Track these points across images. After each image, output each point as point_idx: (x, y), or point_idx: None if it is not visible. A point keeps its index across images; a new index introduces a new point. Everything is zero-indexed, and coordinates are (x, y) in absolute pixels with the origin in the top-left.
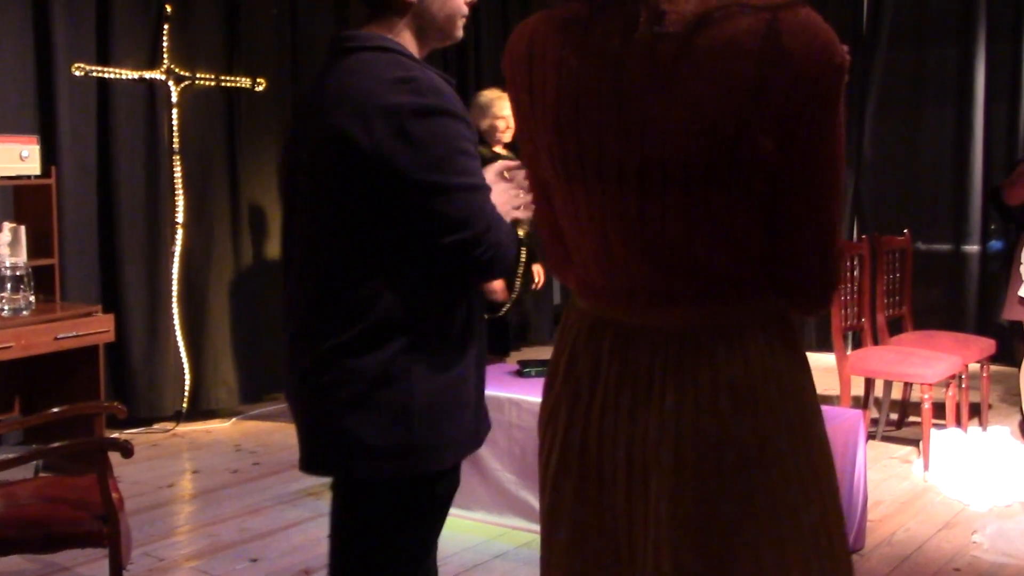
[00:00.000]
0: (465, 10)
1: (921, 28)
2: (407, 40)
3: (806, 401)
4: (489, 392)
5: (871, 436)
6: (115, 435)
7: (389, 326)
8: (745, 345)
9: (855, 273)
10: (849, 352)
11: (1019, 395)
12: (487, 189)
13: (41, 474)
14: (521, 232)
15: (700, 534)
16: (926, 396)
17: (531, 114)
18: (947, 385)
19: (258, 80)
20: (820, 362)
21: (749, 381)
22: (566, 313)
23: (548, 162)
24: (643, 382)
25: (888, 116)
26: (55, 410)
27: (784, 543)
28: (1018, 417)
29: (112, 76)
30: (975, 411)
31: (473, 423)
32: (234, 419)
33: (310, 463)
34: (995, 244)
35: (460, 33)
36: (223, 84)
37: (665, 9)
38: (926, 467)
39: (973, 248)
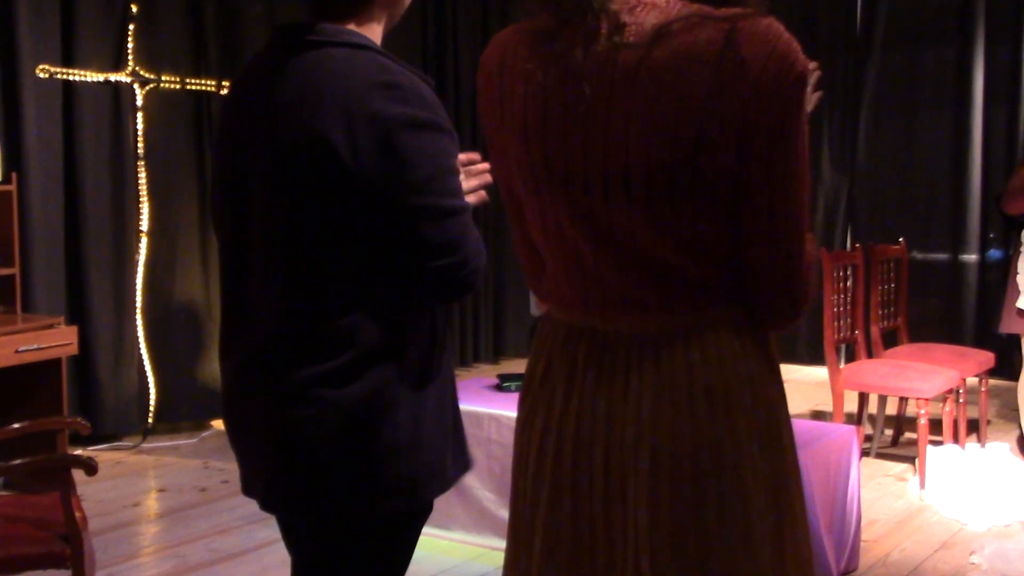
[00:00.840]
0: None
1: (917, 28)
2: (375, 33)
3: (777, 408)
4: (467, 407)
5: (865, 453)
6: (79, 452)
7: (371, 356)
8: (720, 350)
9: (848, 283)
10: (842, 366)
11: (1018, 410)
12: (469, 209)
13: (1, 492)
14: None
15: (677, 540)
16: (922, 411)
17: (501, 126)
18: (944, 400)
19: (224, 83)
20: (812, 376)
21: (725, 385)
22: (542, 323)
23: (518, 174)
24: (619, 388)
25: (883, 120)
26: (16, 426)
27: (757, 549)
28: (1017, 433)
29: (77, 78)
30: (973, 427)
31: (456, 452)
32: (202, 435)
33: (277, 501)
34: (994, 253)
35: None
36: (189, 87)
37: (626, 21)
38: (922, 485)
39: (971, 257)
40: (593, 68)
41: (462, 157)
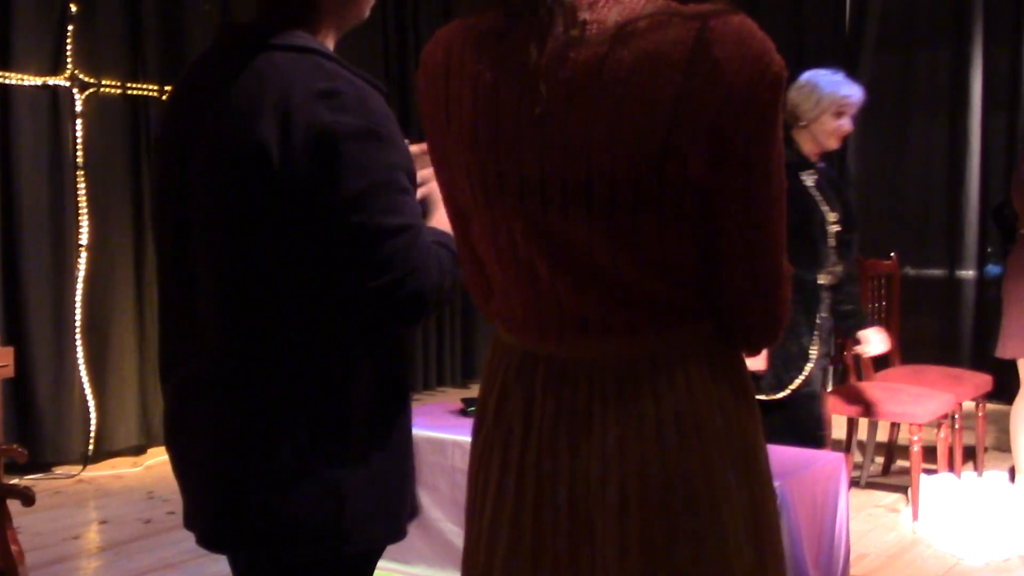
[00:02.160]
0: None
1: (911, 28)
2: (326, 36)
3: (751, 432)
4: (429, 433)
5: (854, 482)
6: (14, 481)
7: (321, 383)
8: (688, 373)
9: None
10: (830, 389)
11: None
12: (418, 227)
13: None
14: None
15: None
16: (915, 438)
17: (447, 132)
18: (939, 426)
19: (167, 88)
20: None
21: (695, 410)
22: (492, 349)
23: (466, 184)
24: (581, 418)
25: (874, 126)
26: None
27: None
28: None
29: (13, 82)
30: (970, 454)
31: (411, 494)
32: (147, 463)
33: (218, 539)
34: (993, 269)
35: (368, 12)
36: (130, 92)
37: (585, 18)
38: (915, 517)
39: (968, 273)
40: (549, 67)
41: (415, 149)
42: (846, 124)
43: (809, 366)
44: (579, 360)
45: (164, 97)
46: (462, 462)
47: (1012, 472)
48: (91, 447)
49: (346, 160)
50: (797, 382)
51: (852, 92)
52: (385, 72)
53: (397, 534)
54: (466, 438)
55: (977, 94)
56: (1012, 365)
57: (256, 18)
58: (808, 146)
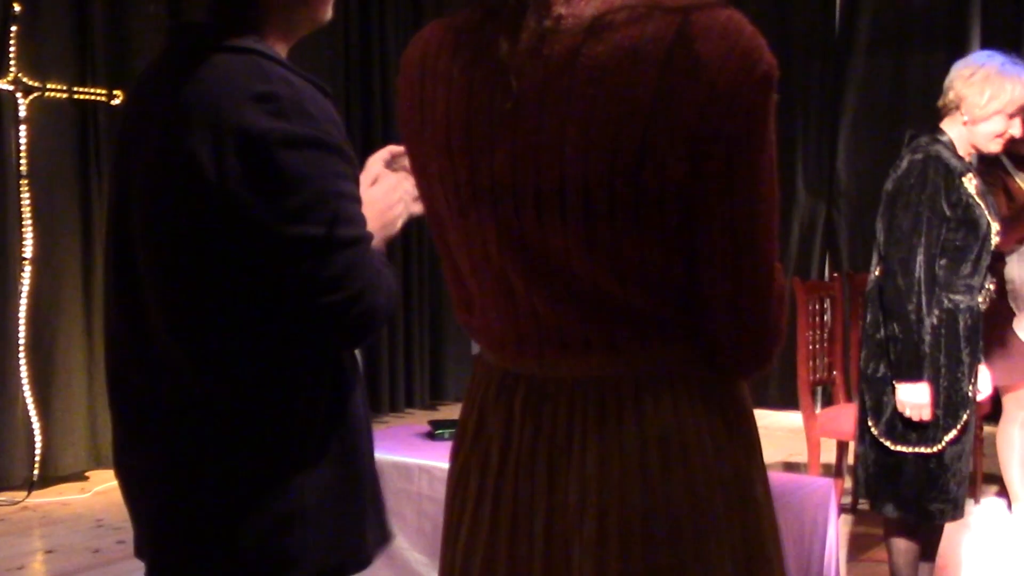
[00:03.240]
0: None
1: (904, 30)
2: (273, 35)
3: (744, 455)
4: (396, 458)
5: (844, 509)
6: None
7: (269, 406)
8: (675, 395)
9: (825, 318)
10: (818, 411)
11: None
12: (369, 240)
13: None
14: None
15: None
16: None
17: (421, 138)
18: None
19: (115, 92)
20: (784, 422)
21: (681, 434)
22: (475, 367)
23: (440, 191)
24: (561, 442)
25: (865, 133)
26: None
27: None
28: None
29: None
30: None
31: (375, 523)
32: (95, 488)
33: (166, 569)
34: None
35: (331, 13)
36: (76, 96)
37: (561, 12)
38: None
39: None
40: (521, 68)
41: (384, 153)
42: (1017, 128)
43: (967, 414)
44: (559, 380)
45: (113, 102)
46: (429, 488)
47: (998, 494)
48: (36, 472)
49: (286, 169)
50: (953, 433)
51: None
52: (346, 81)
53: (360, 562)
54: (433, 463)
55: None
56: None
57: (201, 19)
58: (961, 144)
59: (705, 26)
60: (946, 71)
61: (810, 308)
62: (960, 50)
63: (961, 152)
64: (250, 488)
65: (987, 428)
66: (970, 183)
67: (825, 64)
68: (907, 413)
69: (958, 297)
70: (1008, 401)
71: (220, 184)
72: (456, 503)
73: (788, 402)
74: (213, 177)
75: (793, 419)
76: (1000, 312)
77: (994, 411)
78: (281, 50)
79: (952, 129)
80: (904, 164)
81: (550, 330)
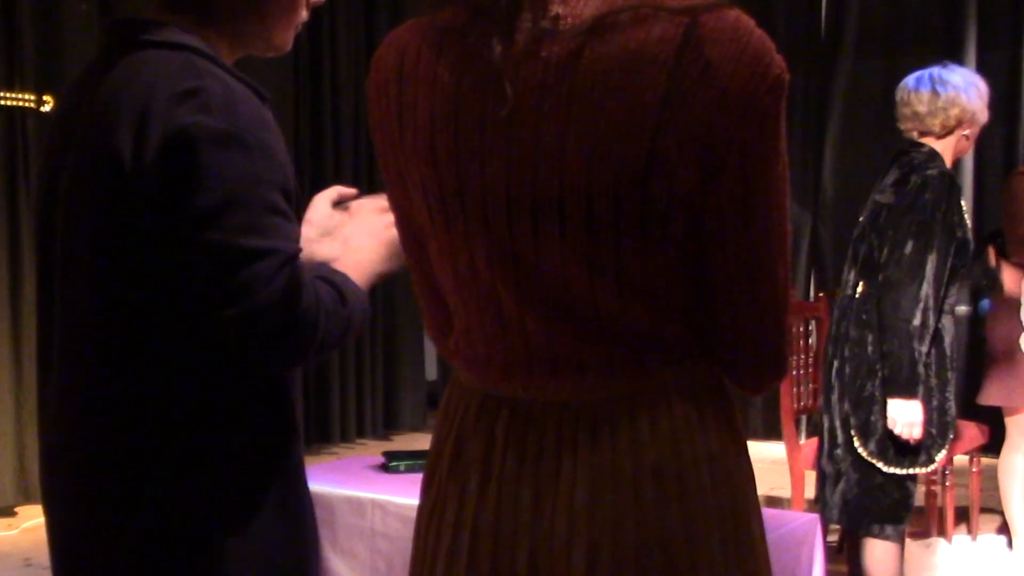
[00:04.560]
0: (304, 17)
1: (895, 31)
2: (216, 39)
3: (742, 490)
4: (346, 492)
5: (831, 547)
6: None
7: (194, 435)
8: (673, 421)
9: (810, 340)
10: (803, 441)
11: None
12: (287, 253)
13: None
14: None
15: None
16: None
17: (400, 144)
18: (927, 483)
19: (45, 97)
20: (766, 453)
21: (678, 464)
22: (448, 391)
23: (422, 202)
24: (548, 470)
25: (854, 142)
26: None
27: None
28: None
29: None
30: (963, 516)
31: (313, 567)
32: (23, 525)
33: None
34: (988, 304)
35: (290, 44)
36: (3, 103)
37: (558, 11)
38: None
39: (961, 309)
40: (518, 71)
41: (331, 192)
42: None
43: (954, 434)
44: (547, 403)
45: (43, 108)
46: (383, 524)
47: (1000, 530)
48: None
49: (202, 167)
50: (943, 453)
51: None
52: (295, 85)
53: None
54: (388, 497)
55: None
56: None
57: (139, 14)
58: (948, 159)
59: (714, 28)
60: None
61: (794, 331)
62: (956, 53)
63: (948, 165)
64: (165, 535)
65: (984, 460)
66: (962, 200)
67: (810, 67)
68: (897, 430)
69: (945, 317)
70: (1012, 425)
71: (135, 180)
72: (430, 536)
73: (771, 432)
74: (131, 175)
75: (776, 450)
76: (1006, 328)
77: (992, 441)
78: (225, 58)
79: (942, 143)
80: (916, 179)
81: (541, 351)
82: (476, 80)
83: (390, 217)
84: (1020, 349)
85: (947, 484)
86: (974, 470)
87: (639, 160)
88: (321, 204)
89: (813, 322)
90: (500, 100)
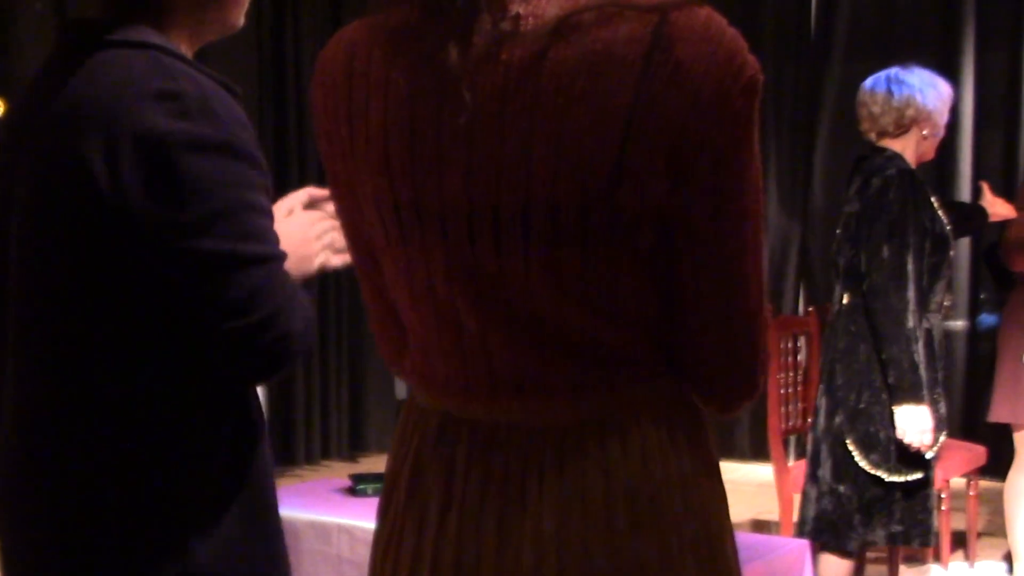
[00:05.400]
0: None
1: (887, 32)
2: (177, 34)
3: (717, 513)
4: (313, 516)
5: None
6: None
7: (156, 453)
8: (645, 441)
9: (799, 357)
10: (792, 463)
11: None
12: (281, 258)
13: None
14: None
15: None
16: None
17: (351, 152)
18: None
19: None
20: (754, 476)
21: (651, 488)
22: (405, 412)
23: (375, 215)
24: (514, 497)
25: (844, 149)
26: None
27: None
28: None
29: None
30: (960, 541)
31: None
32: None
33: None
34: (987, 319)
35: (243, 20)
36: None
37: (518, 11)
38: None
39: (958, 324)
40: (477, 73)
41: (302, 195)
42: None
43: (943, 438)
44: (511, 426)
45: None
46: (350, 551)
47: (1009, 561)
48: None
49: (188, 176)
50: (931, 454)
51: None
52: (259, 87)
53: None
54: (354, 522)
55: (968, 110)
56: (1008, 433)
57: (95, 14)
58: (911, 160)
59: (684, 27)
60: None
61: (782, 347)
62: (953, 55)
63: (911, 167)
64: (138, 554)
65: (982, 483)
66: (935, 198)
67: (799, 71)
68: (907, 439)
69: (932, 317)
70: (1021, 443)
71: (114, 194)
72: (387, 568)
73: (758, 453)
74: (106, 185)
75: (763, 472)
76: (1015, 341)
77: (990, 462)
78: (186, 51)
79: (901, 144)
80: (876, 182)
81: (504, 372)
82: (432, 85)
83: (319, 227)
84: None
85: (943, 508)
86: (972, 493)
87: (607, 168)
88: (283, 207)
89: (803, 337)
90: (458, 107)
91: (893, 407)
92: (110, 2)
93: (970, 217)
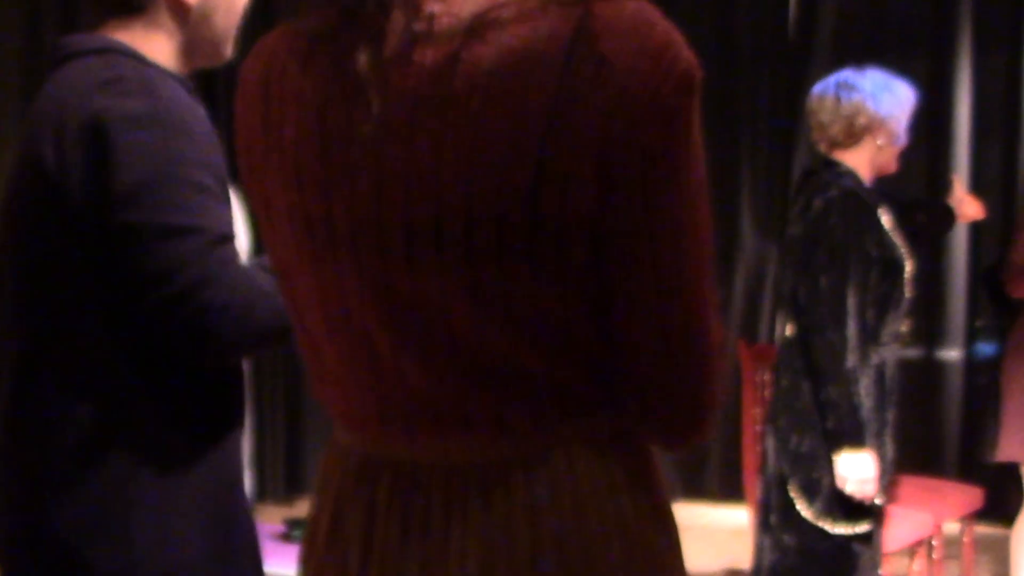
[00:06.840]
0: (238, 21)
1: (876, 32)
2: (161, 52)
3: (665, 564)
4: None
5: None
6: None
7: (99, 445)
8: (576, 482)
9: None
10: None
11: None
12: (215, 233)
13: None
14: None
15: None
16: (880, 572)
17: (265, 165)
18: (912, 554)
19: None
20: (726, 520)
21: (583, 536)
22: (327, 451)
23: (288, 233)
24: (436, 541)
25: None
26: None
27: None
28: None
29: None
30: None
31: None
32: None
33: None
34: (984, 349)
35: (231, 51)
36: None
37: (434, 11)
38: None
39: (953, 354)
40: (385, 75)
41: None
42: None
43: (889, 480)
44: (433, 466)
45: None
46: None
47: None
48: None
49: (121, 148)
50: (878, 501)
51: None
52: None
53: None
54: (288, 572)
55: (964, 117)
56: (1010, 474)
57: (81, 27)
58: (866, 173)
59: (610, 20)
60: (928, 84)
61: (757, 379)
62: (947, 57)
63: (867, 182)
64: (88, 537)
65: (980, 527)
66: (883, 217)
67: (776, 75)
68: (848, 489)
69: (884, 350)
70: None
71: (60, 177)
72: None
73: (731, 494)
74: (54, 171)
75: (737, 516)
76: (1021, 370)
77: (988, 505)
78: (177, 68)
79: (855, 157)
80: (818, 203)
81: (422, 403)
82: (342, 91)
83: None
84: None
85: (935, 556)
86: (967, 540)
87: (525, 174)
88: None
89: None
90: (366, 113)
91: (831, 454)
92: (98, 16)
93: (936, 220)
